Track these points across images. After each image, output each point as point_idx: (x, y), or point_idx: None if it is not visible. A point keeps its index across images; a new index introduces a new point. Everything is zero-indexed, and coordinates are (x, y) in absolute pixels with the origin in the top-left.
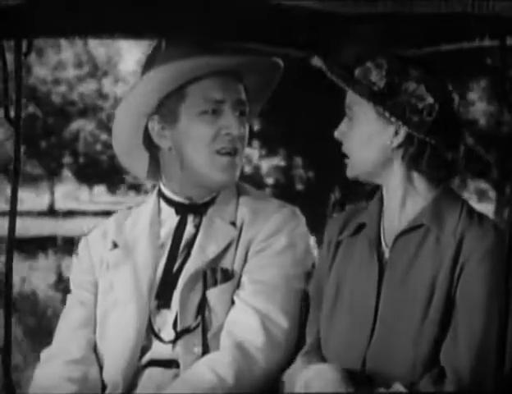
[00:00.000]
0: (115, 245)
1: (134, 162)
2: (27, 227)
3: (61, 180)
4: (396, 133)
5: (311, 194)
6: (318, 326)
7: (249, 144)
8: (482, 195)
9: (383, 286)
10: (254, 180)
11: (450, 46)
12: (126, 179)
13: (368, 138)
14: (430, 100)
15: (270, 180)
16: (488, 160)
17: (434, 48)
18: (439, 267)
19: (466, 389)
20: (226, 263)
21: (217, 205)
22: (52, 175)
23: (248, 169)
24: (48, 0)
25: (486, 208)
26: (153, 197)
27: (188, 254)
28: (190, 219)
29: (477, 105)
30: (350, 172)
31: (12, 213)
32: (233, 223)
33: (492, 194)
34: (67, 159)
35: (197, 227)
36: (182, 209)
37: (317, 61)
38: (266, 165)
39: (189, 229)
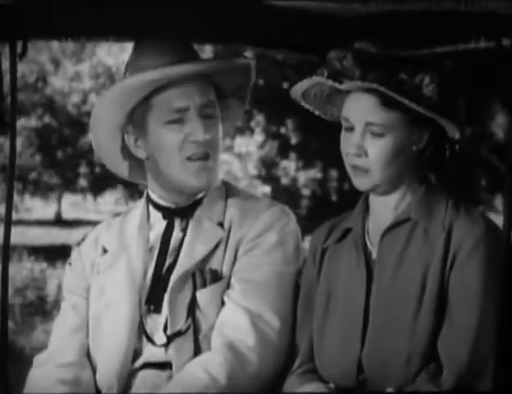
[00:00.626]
0: (105, 251)
1: (117, 165)
2: (39, 236)
3: (77, 190)
4: (419, 138)
5: (346, 205)
6: (309, 336)
7: (287, 157)
8: (491, 206)
9: (373, 285)
10: (291, 192)
11: (445, 48)
12: (141, 189)
13: (398, 150)
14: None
15: (306, 192)
16: (503, 171)
17: (429, 50)
18: (429, 259)
19: (463, 382)
20: (215, 264)
21: (204, 206)
22: (69, 184)
23: (285, 181)
24: (43, 1)
25: (496, 220)
26: (142, 202)
27: (176, 258)
28: (177, 223)
29: (497, 118)
30: (367, 185)
31: (8, 221)
32: (221, 224)
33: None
34: (83, 169)
35: (184, 231)
36: (169, 213)
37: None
38: (302, 177)
39: (177, 233)
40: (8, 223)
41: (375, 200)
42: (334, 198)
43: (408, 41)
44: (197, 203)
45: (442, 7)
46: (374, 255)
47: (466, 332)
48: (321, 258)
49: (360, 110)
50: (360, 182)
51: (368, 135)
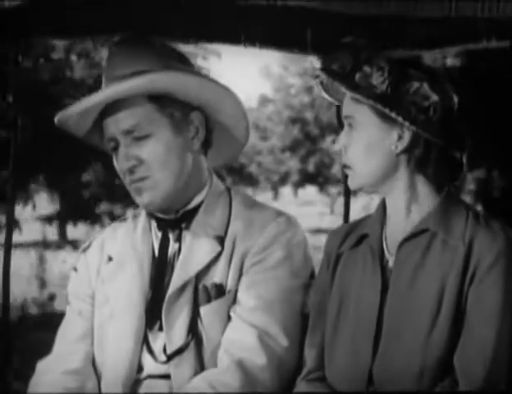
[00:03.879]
0: (110, 259)
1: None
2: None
3: None
4: (400, 137)
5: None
6: (319, 343)
7: None
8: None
9: (388, 295)
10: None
11: (456, 48)
12: None
13: (371, 146)
14: (435, 98)
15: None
16: None
17: (440, 51)
18: (447, 272)
19: None
20: (218, 278)
21: (200, 218)
22: None
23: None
24: (46, 1)
25: None
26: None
27: (172, 271)
28: (171, 234)
29: None
30: (354, 184)
31: (9, 222)
32: (218, 237)
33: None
34: None
35: (178, 242)
36: (163, 224)
37: (317, 66)
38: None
39: (172, 244)
40: (9, 222)
41: (388, 205)
42: (496, 195)
43: (417, 43)
44: (192, 214)
45: (459, 12)
46: (391, 264)
47: (484, 348)
48: (335, 263)
49: (346, 104)
50: (348, 181)
51: (347, 131)
